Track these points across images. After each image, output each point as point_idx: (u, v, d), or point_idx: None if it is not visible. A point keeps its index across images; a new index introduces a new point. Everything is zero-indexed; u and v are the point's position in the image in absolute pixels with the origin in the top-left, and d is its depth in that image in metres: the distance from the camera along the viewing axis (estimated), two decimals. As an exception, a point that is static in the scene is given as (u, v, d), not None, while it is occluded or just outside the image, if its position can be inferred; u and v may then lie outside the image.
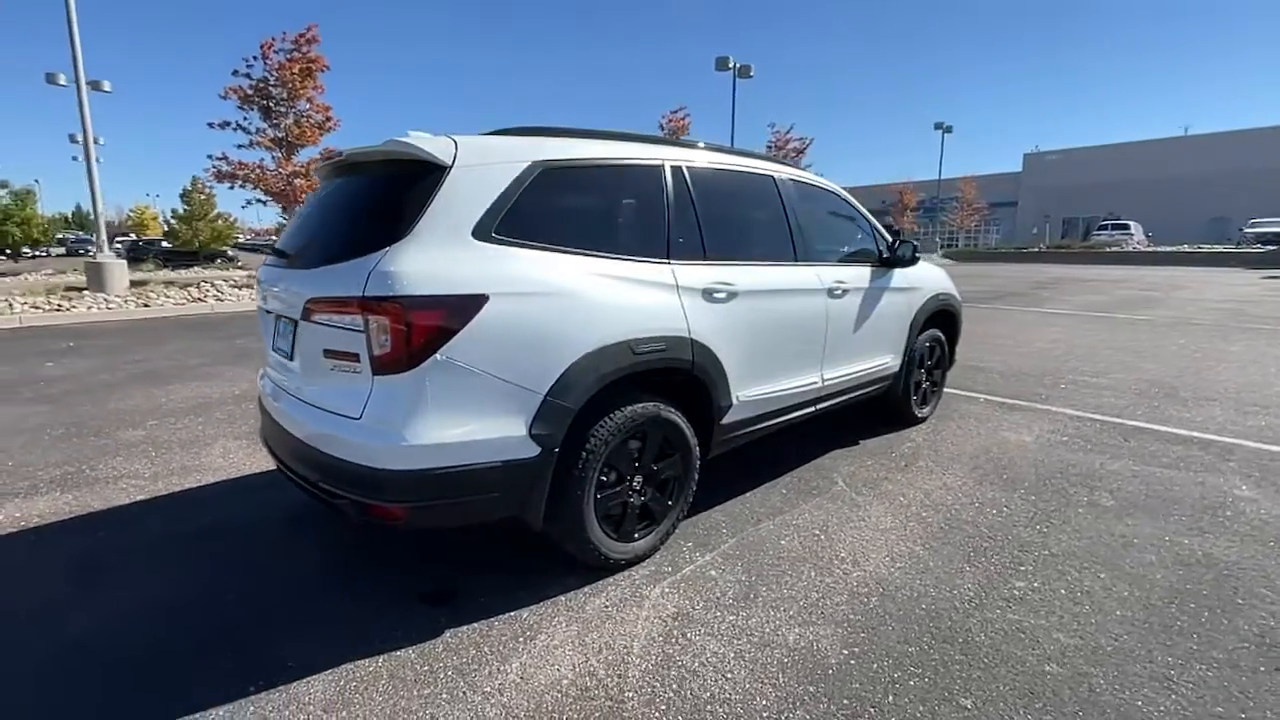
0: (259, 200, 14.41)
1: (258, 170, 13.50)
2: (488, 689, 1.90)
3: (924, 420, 4.52)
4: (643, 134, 2.79)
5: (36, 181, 53.36)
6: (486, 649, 2.08)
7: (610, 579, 2.49)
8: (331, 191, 2.51)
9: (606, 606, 2.32)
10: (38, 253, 40.59)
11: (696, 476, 2.79)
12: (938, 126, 37.64)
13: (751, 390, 2.95)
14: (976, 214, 43.04)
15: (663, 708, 1.82)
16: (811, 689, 1.89)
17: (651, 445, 2.58)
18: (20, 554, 2.75)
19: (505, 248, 2.14)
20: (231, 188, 13.80)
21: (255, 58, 13.32)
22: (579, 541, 2.38)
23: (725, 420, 2.85)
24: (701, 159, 2.92)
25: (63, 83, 24.93)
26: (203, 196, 27.28)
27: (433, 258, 2.00)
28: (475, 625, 2.21)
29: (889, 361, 3.99)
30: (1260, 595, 2.34)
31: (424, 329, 1.93)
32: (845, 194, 3.86)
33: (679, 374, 2.60)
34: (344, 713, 1.81)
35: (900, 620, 2.22)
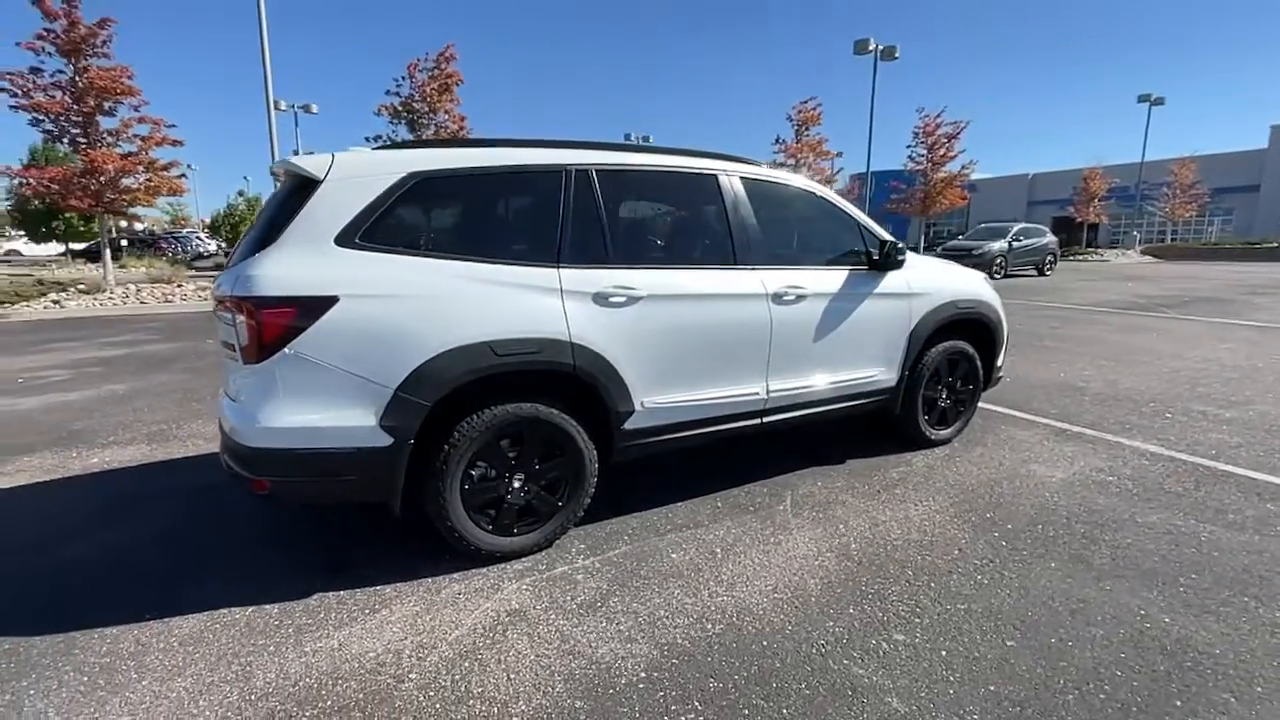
0: None
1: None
2: (308, 649, 2.12)
3: (941, 443, 4.00)
4: (554, 139, 2.82)
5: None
6: (334, 615, 2.31)
7: (483, 569, 2.60)
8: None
9: (459, 594, 2.44)
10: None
11: (593, 479, 2.79)
12: (1142, 99, 31.76)
13: (663, 397, 2.87)
14: (1195, 201, 35.57)
15: (431, 694, 1.90)
16: (579, 704, 1.85)
17: (532, 445, 2.64)
18: (81, 488, 3.54)
19: (366, 253, 2.34)
20: None
21: (404, 78, 15.25)
22: (445, 530, 2.52)
23: (629, 426, 2.81)
24: (617, 161, 2.88)
25: (283, 108, 30.16)
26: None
27: (290, 262, 2.25)
28: (341, 593, 2.45)
29: (878, 375, 3.59)
30: (1216, 709, 1.82)
31: (273, 325, 2.19)
32: (825, 193, 3.53)
33: (563, 377, 2.62)
34: (193, 647, 2.13)
35: (728, 653, 2.07)
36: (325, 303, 2.23)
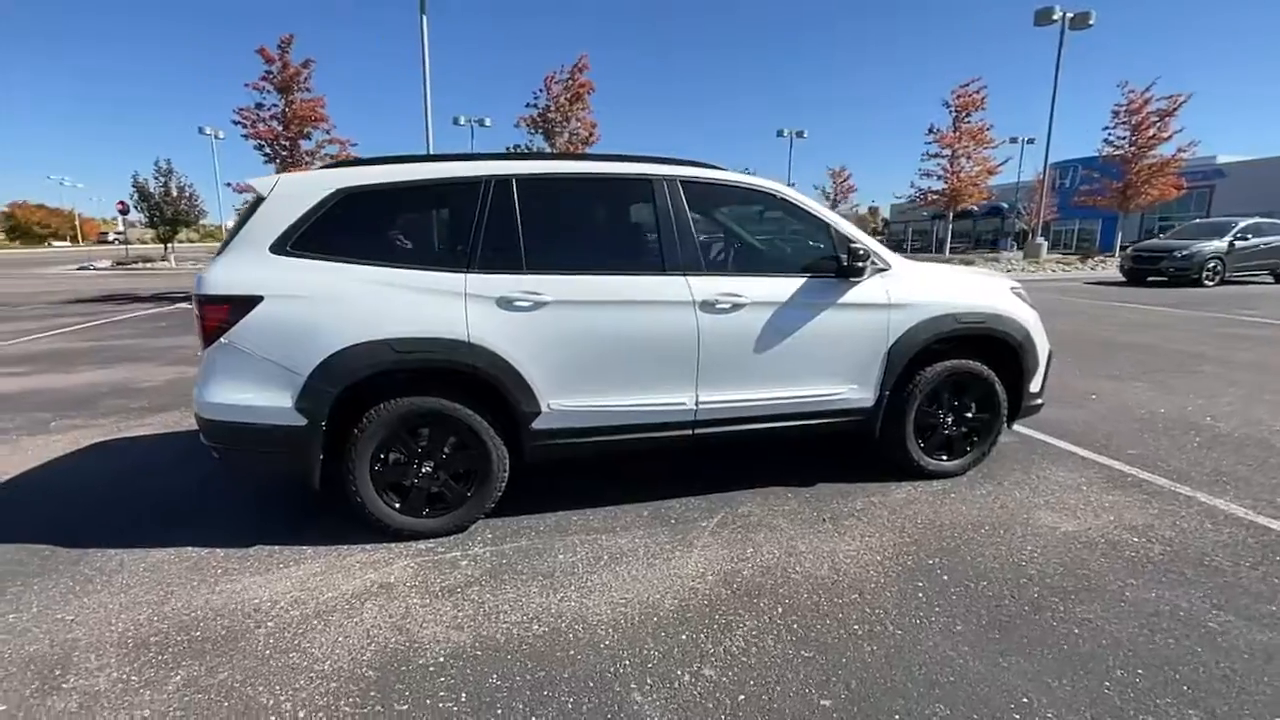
0: None
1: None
2: (218, 589, 2.53)
3: (945, 475, 3.50)
4: (483, 154, 3.00)
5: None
6: (256, 565, 2.71)
7: (391, 545, 2.86)
8: None
9: (357, 563, 2.73)
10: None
11: (503, 473, 2.94)
12: None
13: (572, 401, 2.92)
14: None
15: (270, 642, 2.19)
16: (370, 673, 2.02)
17: (439, 436, 2.86)
18: (176, 441, 4.46)
19: (293, 259, 2.71)
20: None
21: (541, 90, 16.47)
22: (356, 505, 2.83)
23: (537, 427, 2.91)
24: (543, 170, 2.98)
25: (462, 122, 33.72)
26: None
27: (231, 266, 2.70)
28: (275, 548, 2.85)
29: (846, 393, 3.26)
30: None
31: (211, 318, 2.65)
32: (790, 195, 3.27)
33: (463, 375, 2.80)
34: (149, 573, 2.66)
35: (530, 656, 2.10)
36: (252, 301, 2.64)
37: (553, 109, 16.32)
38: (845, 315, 3.19)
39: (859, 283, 3.19)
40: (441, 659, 2.10)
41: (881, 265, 3.26)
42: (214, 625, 2.29)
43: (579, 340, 2.89)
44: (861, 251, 3.07)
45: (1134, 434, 4.26)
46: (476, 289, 2.79)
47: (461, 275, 2.80)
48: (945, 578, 2.54)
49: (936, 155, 21.48)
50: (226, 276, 2.68)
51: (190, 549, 2.86)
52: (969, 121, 19.97)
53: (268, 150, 14.71)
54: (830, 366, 3.22)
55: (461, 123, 32.45)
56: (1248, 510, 3.08)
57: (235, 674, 2.03)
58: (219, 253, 2.86)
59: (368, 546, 2.86)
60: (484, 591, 2.50)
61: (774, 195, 3.26)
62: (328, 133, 14.96)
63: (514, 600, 2.43)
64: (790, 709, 1.85)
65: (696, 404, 3.07)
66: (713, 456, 3.85)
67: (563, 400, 2.91)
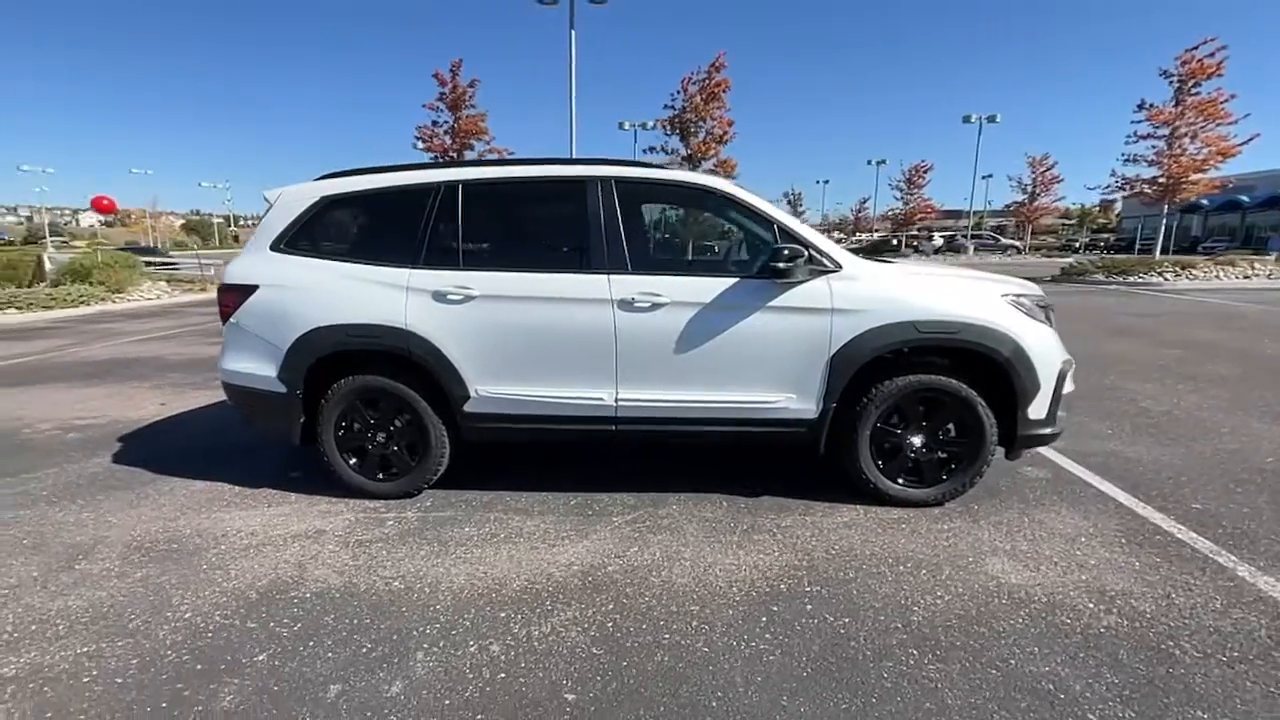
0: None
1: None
2: (213, 516, 3.19)
3: (912, 504, 3.11)
4: (444, 162, 3.33)
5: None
6: (252, 502, 3.36)
7: (351, 500, 3.34)
8: None
9: (317, 511, 3.24)
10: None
11: (442, 448, 3.28)
12: None
13: (496, 388, 3.15)
14: None
15: (208, 558, 2.74)
16: (253, 595, 2.46)
17: (389, 411, 3.27)
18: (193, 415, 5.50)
19: (284, 256, 3.29)
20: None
21: (678, 91, 16.71)
22: (325, 463, 3.36)
23: (468, 409, 3.19)
24: (487, 175, 3.23)
25: (627, 127, 35.04)
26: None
27: (243, 262, 3.36)
28: (275, 492, 3.49)
29: (782, 401, 3.05)
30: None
31: (225, 303, 3.33)
32: (736, 193, 3.11)
33: (402, 358, 3.17)
34: (183, 499, 3.43)
35: (357, 603, 2.39)
36: (250, 289, 3.28)
37: (688, 110, 16.55)
38: (778, 319, 2.99)
39: (797, 285, 2.97)
40: (308, 595, 2.47)
41: (826, 266, 2.99)
42: (189, 542, 2.93)
43: (502, 332, 3.11)
44: (788, 252, 2.86)
45: (1223, 485, 3.35)
46: (416, 283, 3.14)
47: (406, 270, 3.17)
48: (809, 607, 2.33)
49: (1149, 136, 17.55)
50: (236, 269, 3.36)
51: (220, 484, 3.62)
52: (1197, 92, 16.03)
53: (440, 162, 16.95)
54: (762, 373, 3.05)
55: (625, 127, 34.03)
56: (1301, 596, 2.33)
57: (173, 578, 2.60)
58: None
59: (335, 500, 3.37)
60: (384, 548, 2.84)
61: (713, 191, 3.16)
62: (488, 143, 16.83)
63: (399, 559, 2.74)
64: (535, 695, 1.91)
65: (616, 401, 3.12)
66: (681, 457, 3.83)
67: (489, 387, 3.16)
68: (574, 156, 3.27)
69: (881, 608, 2.32)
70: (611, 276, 3.07)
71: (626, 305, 3.04)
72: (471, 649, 2.13)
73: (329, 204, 3.33)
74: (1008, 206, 39.77)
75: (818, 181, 77.38)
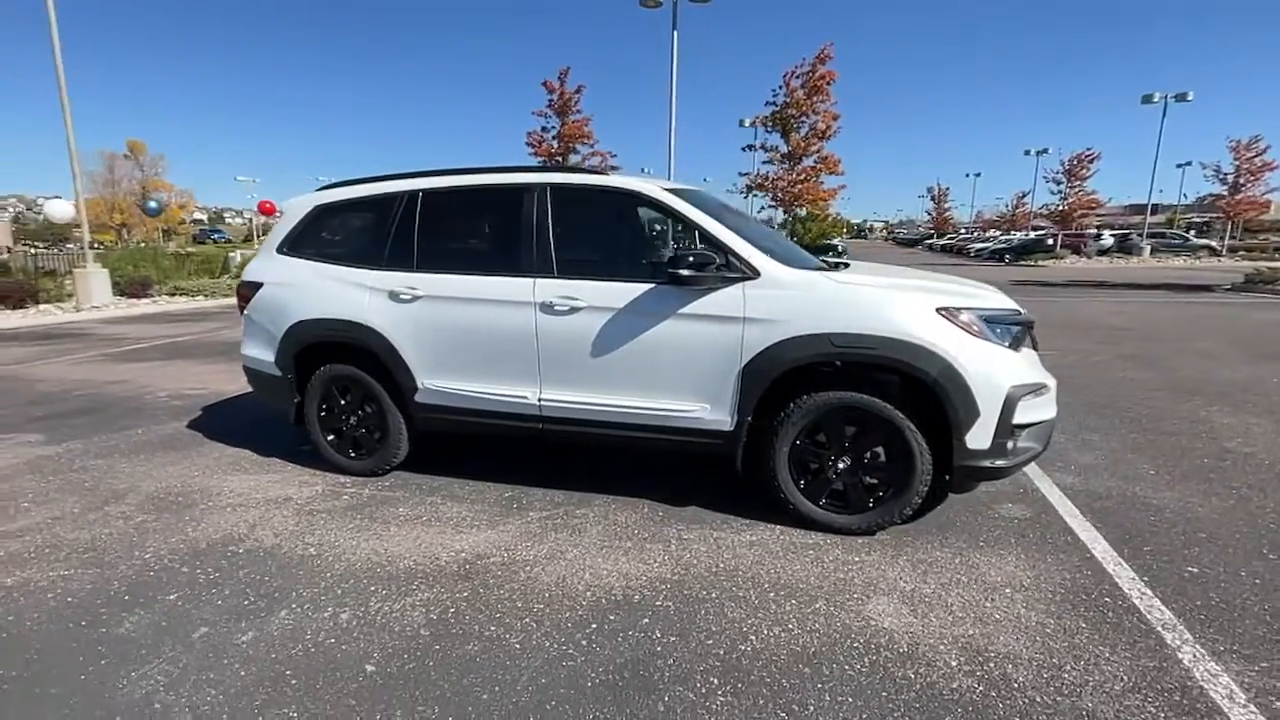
0: (770, 205, 17.47)
1: (768, 181, 16.41)
2: (221, 478, 3.78)
3: (835, 530, 2.89)
4: (418, 171, 3.61)
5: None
6: (263, 470, 3.93)
7: (330, 474, 3.78)
8: None
9: (300, 481, 3.70)
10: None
11: (401, 434, 3.59)
12: None
13: (438, 382, 3.39)
14: None
15: (196, 513, 3.27)
16: (203, 547, 2.91)
17: (356, 397, 3.65)
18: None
19: (285, 258, 3.79)
20: (746, 196, 17.29)
21: (779, 87, 16.10)
22: (311, 443, 3.82)
23: (418, 400, 3.47)
24: (442, 184, 3.47)
25: (747, 124, 34.57)
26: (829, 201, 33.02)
27: (256, 263, 3.91)
28: (275, 460, 4.05)
29: (696, 411, 2.96)
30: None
31: (241, 296, 3.90)
32: (661, 197, 3.04)
33: (364, 350, 3.52)
34: (214, 459, 4.09)
35: (272, 562, 2.73)
36: (257, 286, 3.82)
37: (789, 105, 15.94)
38: (689, 326, 2.92)
39: (711, 291, 2.88)
40: (240, 551, 2.88)
41: (742, 273, 2.86)
42: (190, 497, 3.50)
43: (442, 330, 3.35)
44: (693, 259, 2.78)
45: (1252, 549, 2.71)
46: (376, 283, 3.48)
47: (370, 271, 3.52)
48: (644, 621, 2.29)
49: None
50: (251, 269, 3.93)
51: (245, 451, 4.25)
52: None
53: (547, 165, 17.90)
54: (675, 380, 2.99)
55: (746, 124, 33.47)
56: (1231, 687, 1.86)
57: (158, 525, 3.14)
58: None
59: (317, 473, 3.82)
60: (325, 518, 3.20)
61: (639, 196, 3.14)
62: (592, 147, 17.49)
63: (327, 528, 3.08)
64: (342, 662, 2.10)
65: (540, 400, 3.23)
66: (638, 461, 3.83)
67: (433, 380, 3.42)
68: (523, 166, 3.41)
69: (717, 633, 2.22)
70: (536, 280, 3.18)
71: (547, 308, 3.13)
72: (325, 614, 2.37)
73: (321, 212, 3.78)
74: (1200, 200, 33.40)
75: (967, 174, 70.29)
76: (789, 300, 2.82)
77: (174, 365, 7.24)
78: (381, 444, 3.66)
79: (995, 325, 2.74)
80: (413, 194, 3.54)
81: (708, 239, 2.97)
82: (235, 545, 2.93)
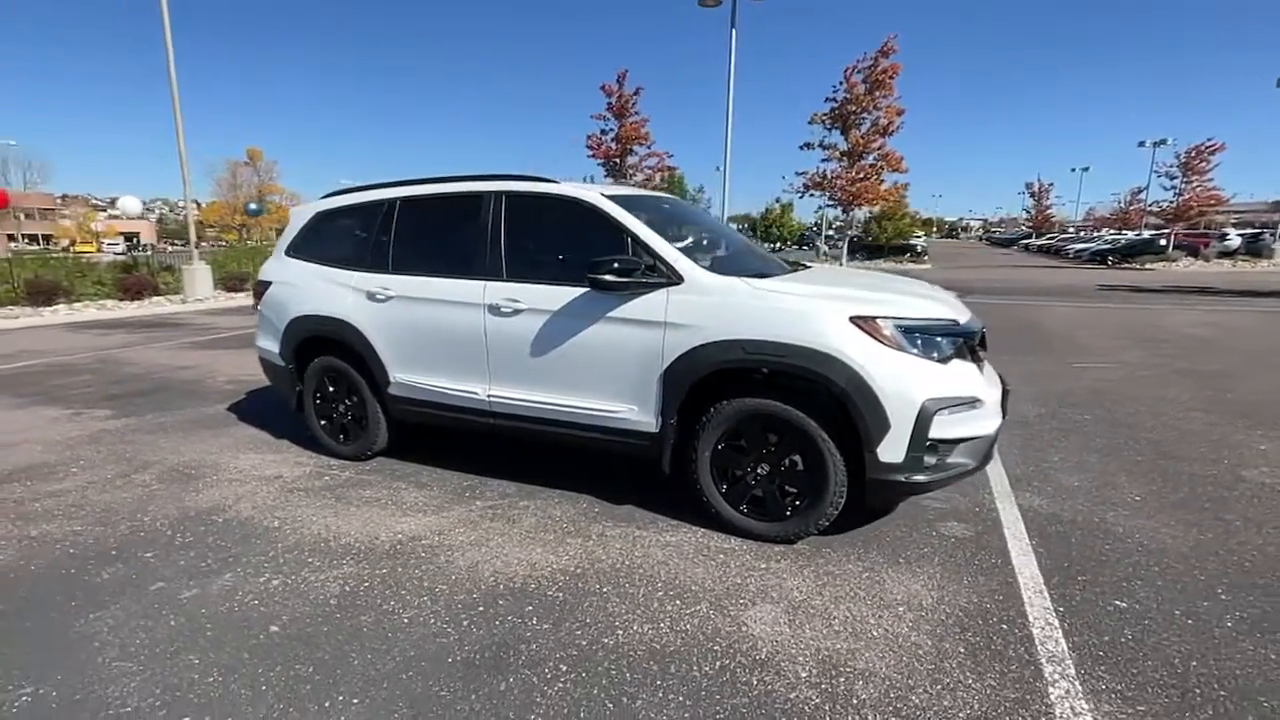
0: (828, 204, 16.84)
1: (826, 179, 15.86)
2: (233, 455, 4.25)
3: (753, 536, 2.89)
4: (407, 179, 3.89)
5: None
6: (266, 448, 4.38)
7: (326, 458, 4.16)
8: None
9: (293, 461, 4.10)
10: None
11: (379, 423, 3.91)
12: None
13: (406, 375, 3.66)
14: None
15: (205, 481, 3.72)
16: (213, 514, 3.32)
17: (342, 388, 4.00)
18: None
19: (290, 259, 4.20)
20: (801, 196, 16.79)
21: (840, 83, 15.50)
22: (308, 428, 4.22)
23: (391, 393, 3.76)
24: (415, 192, 3.73)
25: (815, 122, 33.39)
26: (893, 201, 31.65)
27: (269, 264, 4.35)
28: (286, 443, 4.49)
29: (624, 412, 3.04)
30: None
31: (256, 293, 4.35)
32: (598, 203, 3.14)
33: (346, 345, 3.85)
34: (233, 441, 4.60)
35: (239, 529, 3.07)
36: (267, 284, 4.25)
37: (849, 101, 15.35)
38: (616, 329, 3.01)
39: (637, 296, 2.96)
40: (219, 520, 3.25)
41: (666, 279, 2.91)
42: (201, 470, 3.97)
43: (406, 328, 3.62)
44: (617, 265, 2.86)
45: (1204, 588, 2.46)
46: (357, 283, 3.80)
47: (353, 273, 3.85)
48: (528, 609, 2.42)
49: None
50: (264, 269, 4.37)
51: (264, 432, 4.73)
52: None
53: (605, 166, 18.28)
54: (604, 381, 3.09)
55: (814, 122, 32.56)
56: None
57: (165, 493, 3.60)
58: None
59: (314, 455, 4.22)
60: (302, 496, 3.55)
61: (578, 202, 3.24)
62: (649, 148, 17.64)
63: (298, 505, 3.41)
64: (253, 621, 2.36)
65: (489, 396, 3.42)
66: (591, 458, 3.94)
67: (402, 374, 3.69)
68: (489, 174, 3.61)
69: (589, 624, 2.31)
70: (487, 283, 3.37)
71: (494, 310, 3.32)
72: (260, 579, 2.67)
73: (320, 218, 4.16)
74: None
75: (1073, 169, 64.64)
76: (707, 306, 2.85)
77: (241, 354, 8.05)
78: (363, 432, 3.99)
79: (916, 335, 2.65)
80: (391, 201, 3.83)
81: (638, 245, 3.05)
82: (217, 515, 3.32)
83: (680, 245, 3.29)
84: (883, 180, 15.96)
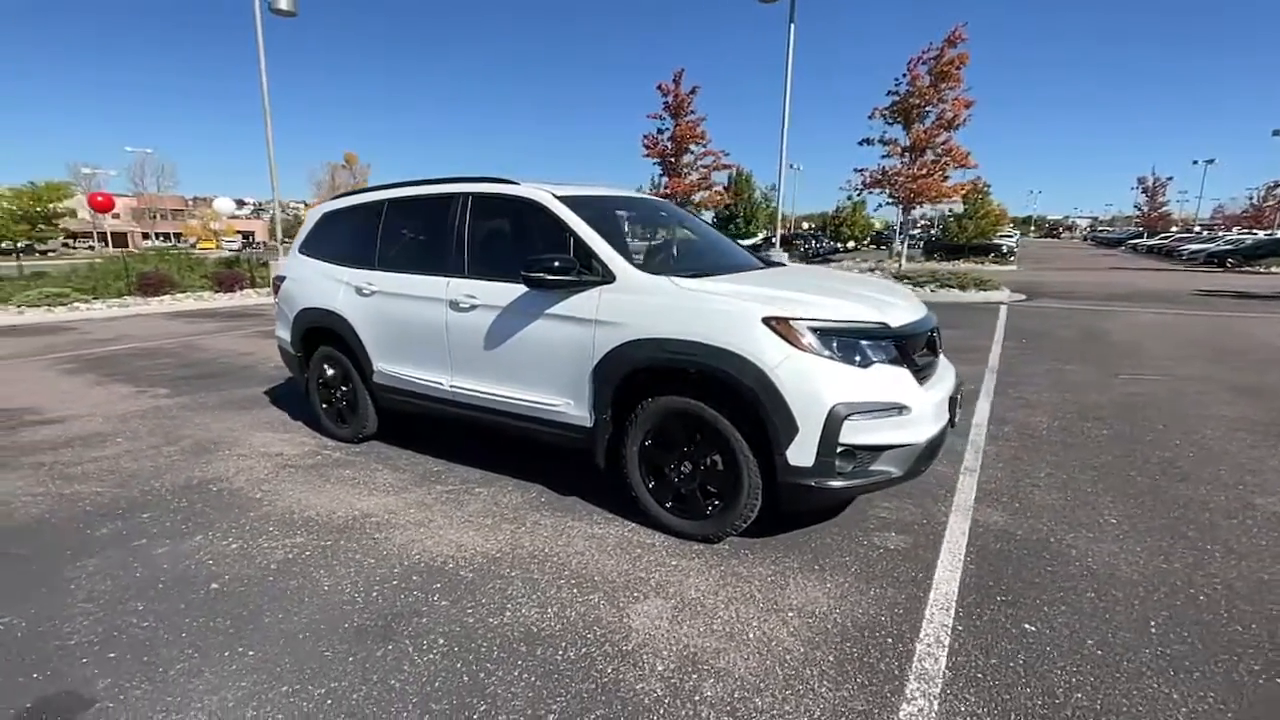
0: (888, 202, 16.01)
1: (886, 176, 15.09)
2: (249, 434, 4.71)
3: (677, 534, 2.92)
4: (404, 181, 4.17)
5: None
6: (280, 428, 4.81)
7: (327, 440, 4.52)
8: None
9: (297, 440, 4.49)
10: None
11: (368, 407, 4.21)
12: None
13: (385, 365, 3.93)
14: None
15: (220, 455, 4.16)
16: (211, 482, 3.73)
17: (338, 375, 4.34)
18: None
19: (300, 256, 4.59)
20: (859, 194, 15.97)
21: (903, 75, 14.70)
22: (313, 410, 4.60)
23: (375, 380, 4.05)
24: (405, 193, 3.99)
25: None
26: (978, 198, 29.78)
27: (285, 261, 4.76)
28: (299, 425, 4.91)
29: (562, 406, 3.14)
30: None
31: (274, 287, 4.78)
32: (547, 203, 3.24)
33: (338, 334, 4.17)
34: (254, 420, 5.08)
35: (230, 498, 3.42)
36: (282, 279, 4.67)
37: (912, 94, 14.56)
38: (553, 325, 3.11)
39: (574, 294, 3.05)
40: (214, 489, 3.64)
41: (600, 277, 2.98)
42: (220, 445, 4.42)
43: (385, 321, 3.88)
44: (558, 264, 2.95)
45: (1137, 616, 2.25)
46: (348, 279, 4.11)
47: (346, 269, 4.16)
48: (436, 586, 2.58)
49: None
50: (281, 265, 4.80)
51: (285, 414, 5.18)
52: None
53: (659, 166, 18.34)
54: (544, 375, 3.20)
55: (874, 116, 31.10)
56: None
57: (183, 463, 4.05)
58: None
59: (318, 437, 4.60)
60: (292, 472, 3.89)
61: (530, 203, 3.35)
62: (704, 147, 17.53)
63: (282, 480, 3.75)
64: (199, 577, 2.65)
65: (451, 387, 3.62)
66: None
67: (382, 364, 3.97)
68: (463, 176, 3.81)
69: (484, 604, 2.44)
70: (449, 280, 3.57)
71: (454, 305, 3.51)
72: (223, 543, 2.98)
73: (325, 218, 4.52)
74: None
75: (1195, 161, 58.04)
76: (635, 304, 2.90)
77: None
78: (355, 416, 4.31)
79: (832, 338, 2.58)
80: (380, 202, 4.12)
81: (579, 244, 3.14)
82: (214, 485, 3.71)
83: (648, 245, 3.36)
84: (947, 176, 15.03)
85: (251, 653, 2.18)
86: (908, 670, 2.03)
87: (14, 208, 21.98)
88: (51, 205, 23.00)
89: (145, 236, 58.89)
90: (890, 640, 2.19)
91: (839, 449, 2.53)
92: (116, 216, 57.48)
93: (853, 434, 2.53)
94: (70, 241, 50.27)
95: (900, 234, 19.51)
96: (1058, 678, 1.99)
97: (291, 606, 2.45)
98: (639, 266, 3.04)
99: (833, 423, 2.50)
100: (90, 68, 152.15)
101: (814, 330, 2.59)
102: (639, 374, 2.90)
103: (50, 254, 37.71)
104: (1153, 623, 2.26)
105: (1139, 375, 6.15)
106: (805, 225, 57.80)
